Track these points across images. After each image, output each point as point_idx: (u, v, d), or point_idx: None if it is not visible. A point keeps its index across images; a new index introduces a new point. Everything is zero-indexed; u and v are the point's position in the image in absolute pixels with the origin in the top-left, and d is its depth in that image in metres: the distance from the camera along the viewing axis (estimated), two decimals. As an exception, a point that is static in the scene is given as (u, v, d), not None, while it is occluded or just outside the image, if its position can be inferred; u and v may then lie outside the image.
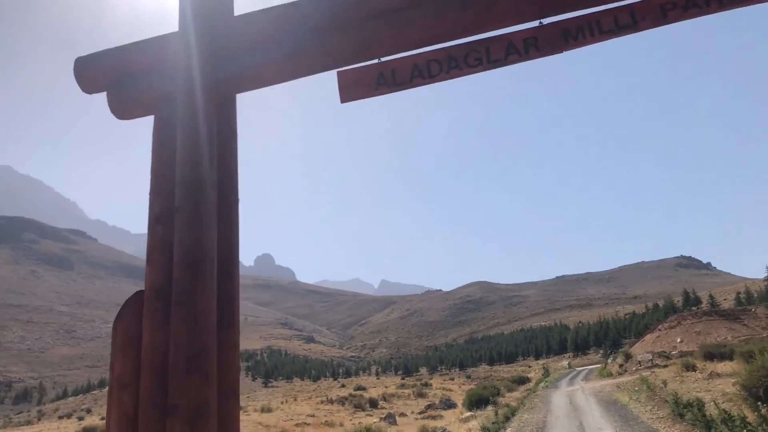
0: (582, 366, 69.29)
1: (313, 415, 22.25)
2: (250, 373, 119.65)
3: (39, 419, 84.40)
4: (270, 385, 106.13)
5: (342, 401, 28.29)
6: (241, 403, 45.14)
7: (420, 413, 25.03)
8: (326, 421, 19.50)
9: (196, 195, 2.75)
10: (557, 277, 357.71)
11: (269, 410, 25.73)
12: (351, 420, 20.90)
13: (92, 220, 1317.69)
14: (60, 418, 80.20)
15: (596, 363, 69.25)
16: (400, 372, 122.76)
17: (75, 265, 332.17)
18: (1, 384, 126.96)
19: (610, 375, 36.22)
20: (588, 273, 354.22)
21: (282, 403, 35.08)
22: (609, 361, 54.63)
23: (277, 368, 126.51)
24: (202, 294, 2.60)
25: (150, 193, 2.93)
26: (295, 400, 37.87)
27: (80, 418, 70.68)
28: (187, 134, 2.85)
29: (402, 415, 24.33)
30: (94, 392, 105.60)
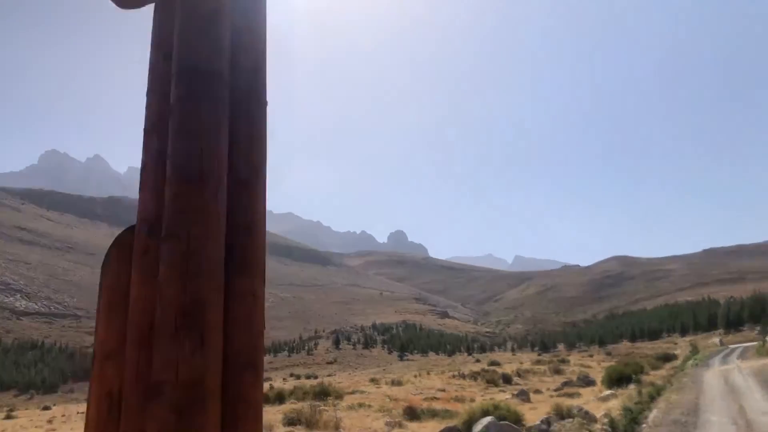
0: (735, 343, 64.13)
1: (443, 390, 21.94)
2: (386, 346, 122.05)
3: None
4: (405, 358, 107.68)
5: (474, 376, 27.74)
6: (376, 376, 45.80)
7: (555, 390, 23.98)
8: (456, 396, 19.10)
9: (199, 88, 1.73)
10: (705, 250, 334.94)
11: (399, 383, 25.74)
12: (482, 396, 20.34)
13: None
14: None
15: (752, 341, 63.82)
16: (536, 348, 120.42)
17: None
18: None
19: (771, 354, 32.95)
20: (740, 245, 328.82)
21: (415, 376, 35.09)
22: (768, 338, 50.06)
23: (412, 342, 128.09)
24: (202, 224, 1.61)
25: (147, 94, 1.98)
26: (428, 374, 37.82)
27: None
28: (190, 7, 1.79)
29: (536, 391, 23.39)
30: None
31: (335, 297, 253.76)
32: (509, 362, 61.98)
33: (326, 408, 15.04)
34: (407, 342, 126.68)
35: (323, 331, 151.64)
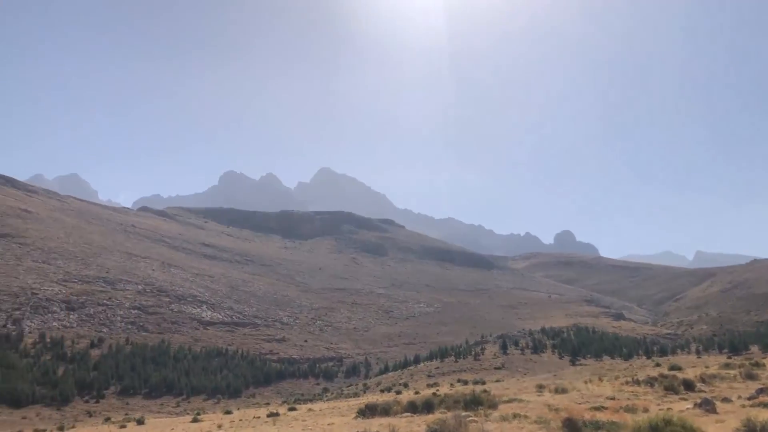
0: None
1: (613, 398, 19.87)
2: (556, 350, 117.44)
3: (364, 392, 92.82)
4: (577, 363, 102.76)
5: (651, 382, 25.10)
6: (543, 382, 43.61)
7: (749, 399, 20.94)
8: (627, 406, 17.08)
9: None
10: None
11: (563, 390, 23.77)
12: (658, 405, 18.12)
13: (400, 209, 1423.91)
14: (381, 391, 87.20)
15: None
16: (725, 350, 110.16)
17: (388, 250, 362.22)
18: (334, 359, 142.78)
19: None
20: None
21: (585, 383, 32.71)
22: None
23: (584, 346, 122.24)
24: None
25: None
26: (600, 380, 35.16)
27: (398, 392, 75.84)
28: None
29: (725, 400, 20.56)
30: (410, 368, 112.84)
31: (501, 301, 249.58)
32: (693, 366, 56.70)
33: (476, 419, 13.95)
34: (579, 346, 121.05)
35: (490, 336, 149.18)
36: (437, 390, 68.69)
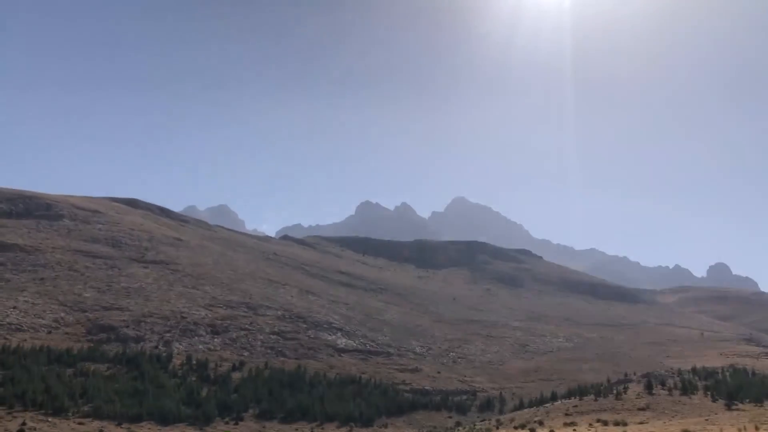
0: None
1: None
2: (709, 392, 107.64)
3: (497, 427, 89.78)
4: (734, 407, 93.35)
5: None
6: (691, 427, 39.55)
7: None
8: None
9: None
10: None
11: None
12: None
13: (538, 239, 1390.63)
14: (515, 428, 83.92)
15: None
16: None
17: (525, 282, 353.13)
18: (467, 393, 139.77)
19: None
20: None
21: (739, 430, 29.07)
22: None
23: (742, 389, 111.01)
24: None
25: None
26: (756, 428, 31.17)
27: (532, 430, 72.55)
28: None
29: None
30: (546, 405, 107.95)
31: (647, 337, 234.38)
32: None
33: None
34: (736, 389, 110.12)
35: (634, 374, 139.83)
36: (574, 429, 64.90)
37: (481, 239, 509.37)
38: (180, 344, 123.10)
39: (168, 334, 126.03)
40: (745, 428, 31.75)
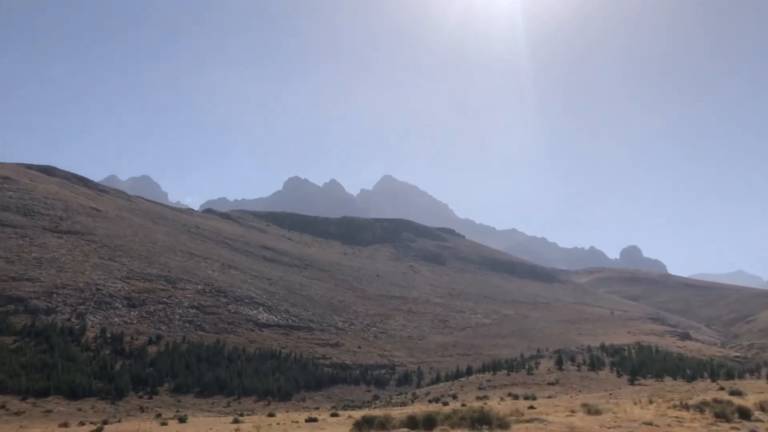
0: None
1: (650, 423, 18.20)
2: (615, 368, 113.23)
3: (413, 401, 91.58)
4: (636, 382, 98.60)
5: (701, 408, 23.16)
6: (590, 401, 41.47)
7: (811, 432, 18.95)
8: (663, 433, 15.53)
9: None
10: None
11: (597, 412, 22.08)
12: (702, 433, 16.43)
13: (461, 219, 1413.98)
14: (429, 401, 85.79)
15: None
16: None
17: (447, 260, 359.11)
18: (387, 367, 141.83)
19: None
20: None
21: (634, 404, 30.73)
22: None
23: (645, 365, 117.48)
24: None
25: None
26: (650, 402, 33.04)
27: (445, 403, 74.34)
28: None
29: (782, 432, 18.62)
30: (462, 379, 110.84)
31: (561, 315, 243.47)
32: (761, 392, 53.19)
33: None
34: (640, 365, 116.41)
35: (546, 350, 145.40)
36: (485, 402, 66.99)
37: (408, 218, 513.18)
38: (94, 317, 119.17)
39: (82, 307, 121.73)
40: (640, 401, 33.62)
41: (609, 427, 17.23)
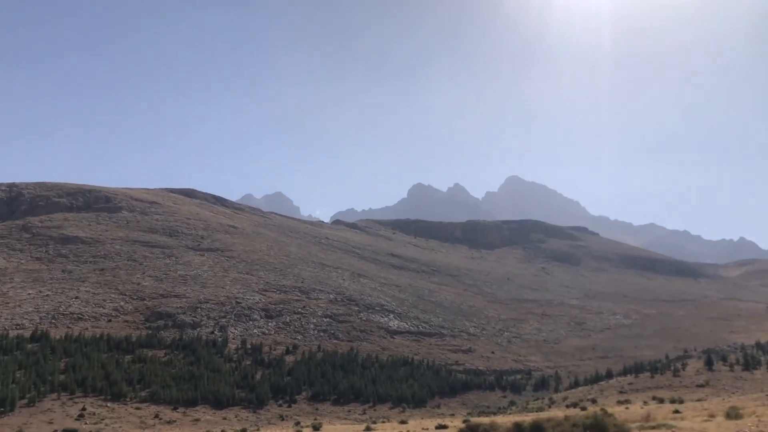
0: None
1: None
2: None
3: (549, 406, 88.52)
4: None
5: None
6: (739, 404, 37.79)
7: None
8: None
9: None
10: None
11: (737, 416, 19.70)
12: None
13: (595, 216, 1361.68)
14: (567, 406, 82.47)
15: None
16: None
17: (581, 259, 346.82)
18: (522, 372, 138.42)
19: None
20: None
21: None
22: None
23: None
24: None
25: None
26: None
27: (583, 408, 71.12)
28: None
29: None
30: (601, 383, 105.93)
31: (709, 312, 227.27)
32: None
33: None
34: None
35: (694, 350, 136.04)
36: (627, 407, 63.40)
37: (537, 218, 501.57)
38: (235, 329, 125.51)
39: (223, 320, 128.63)
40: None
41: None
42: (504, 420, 19.65)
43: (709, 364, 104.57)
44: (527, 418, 17.25)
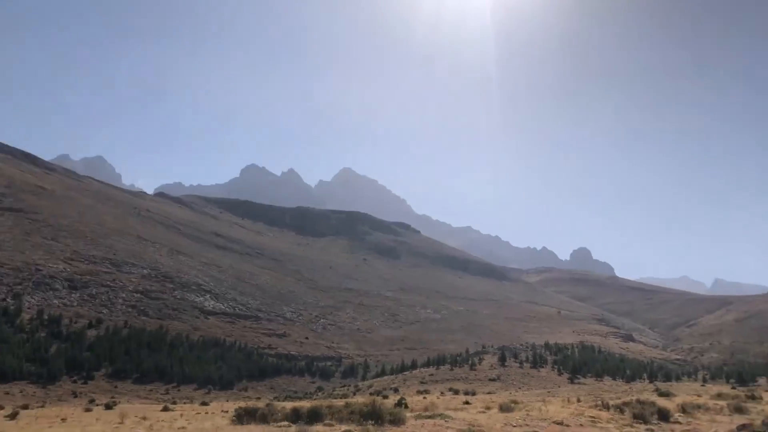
0: None
1: (561, 423, 17.95)
2: (556, 367, 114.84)
3: (354, 393, 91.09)
4: (576, 381, 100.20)
5: (622, 408, 23.11)
6: (520, 398, 41.46)
7: (723, 436, 18.95)
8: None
9: None
10: None
11: (509, 409, 21.83)
12: (613, 434, 16.19)
13: (419, 215, 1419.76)
14: (371, 394, 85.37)
15: None
16: (732, 380, 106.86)
17: (401, 254, 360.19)
18: (333, 359, 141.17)
19: None
20: None
21: (567, 401, 30.68)
22: None
23: (586, 364, 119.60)
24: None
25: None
26: (578, 401, 33.12)
27: (385, 396, 74.06)
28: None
29: (695, 435, 18.57)
30: (405, 373, 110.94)
31: (510, 313, 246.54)
32: (697, 394, 54.24)
33: None
34: (581, 364, 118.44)
35: (492, 347, 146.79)
36: (425, 396, 66.86)
37: (365, 211, 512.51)
38: (32, 298, 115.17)
39: (19, 287, 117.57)
40: (569, 400, 33.71)
41: (514, 426, 16.91)
42: (290, 405, 19.93)
43: (502, 360, 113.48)
44: (309, 404, 17.65)
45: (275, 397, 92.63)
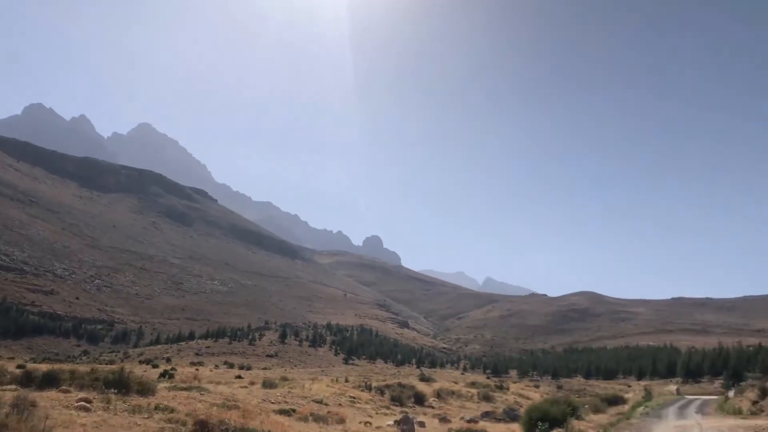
0: (693, 395, 60.39)
1: (320, 401, 18.24)
2: (334, 347, 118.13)
3: (122, 360, 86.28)
4: (351, 362, 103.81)
5: (383, 390, 24.04)
6: (288, 375, 41.84)
7: (468, 421, 20.40)
8: (328, 412, 15.44)
9: None
10: (674, 299, 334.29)
11: (272, 386, 21.90)
12: (369, 416, 16.71)
13: (219, 183, 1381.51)
14: (140, 362, 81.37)
15: (711, 394, 59.90)
16: (488, 371, 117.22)
17: (194, 221, 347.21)
18: (105, 323, 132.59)
19: (738, 412, 29.15)
20: (708, 298, 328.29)
21: (332, 380, 31.25)
22: (730, 394, 46.22)
23: (363, 346, 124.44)
24: None
25: None
26: (346, 380, 34.06)
27: (155, 366, 70.93)
28: None
29: (443, 420, 19.75)
30: (181, 343, 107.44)
31: (298, 292, 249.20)
32: (455, 381, 58.42)
33: (89, 406, 11.33)
34: (357, 346, 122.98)
35: (274, 323, 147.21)
36: (197, 368, 65.08)
37: (161, 172, 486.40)
38: None
39: None
40: (337, 380, 34.55)
41: (272, 402, 16.78)
42: (31, 367, 18.02)
43: (282, 337, 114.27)
44: (46, 368, 15.99)
45: (32, 359, 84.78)
